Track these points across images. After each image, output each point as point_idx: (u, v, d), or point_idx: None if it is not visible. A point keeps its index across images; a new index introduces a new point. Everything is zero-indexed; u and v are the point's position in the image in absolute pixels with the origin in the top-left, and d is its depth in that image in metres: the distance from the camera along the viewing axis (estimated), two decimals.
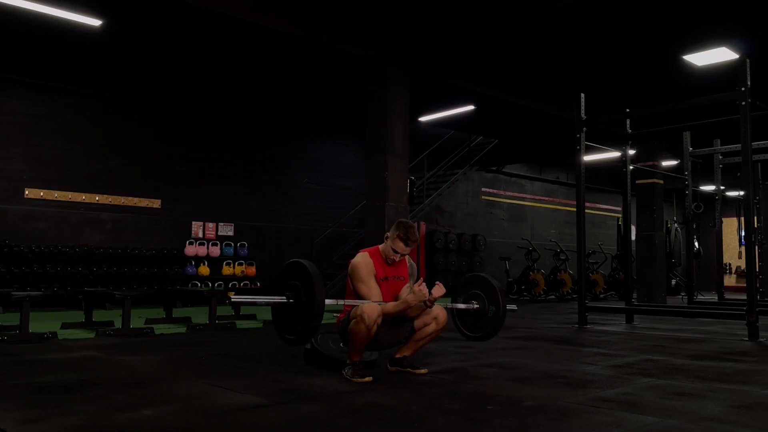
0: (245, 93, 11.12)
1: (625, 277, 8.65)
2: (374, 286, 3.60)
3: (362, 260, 3.64)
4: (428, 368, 3.81)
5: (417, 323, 3.65)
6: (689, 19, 7.55)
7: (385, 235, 3.73)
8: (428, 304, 3.51)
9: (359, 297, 3.58)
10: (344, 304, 3.59)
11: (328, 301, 3.29)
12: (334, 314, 4.00)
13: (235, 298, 3.43)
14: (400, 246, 3.63)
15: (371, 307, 3.40)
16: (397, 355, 3.74)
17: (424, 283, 3.49)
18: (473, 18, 7.67)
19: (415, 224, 3.66)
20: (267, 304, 3.41)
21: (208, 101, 11.16)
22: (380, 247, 3.75)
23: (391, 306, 3.52)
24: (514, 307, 4.30)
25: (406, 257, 3.75)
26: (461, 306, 4.04)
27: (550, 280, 12.98)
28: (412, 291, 3.48)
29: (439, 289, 3.49)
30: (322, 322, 3.31)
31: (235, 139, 11.61)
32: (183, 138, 10.98)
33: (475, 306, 4.00)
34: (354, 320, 3.39)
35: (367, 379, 3.45)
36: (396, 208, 7.96)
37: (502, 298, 3.92)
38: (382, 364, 3.93)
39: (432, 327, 3.63)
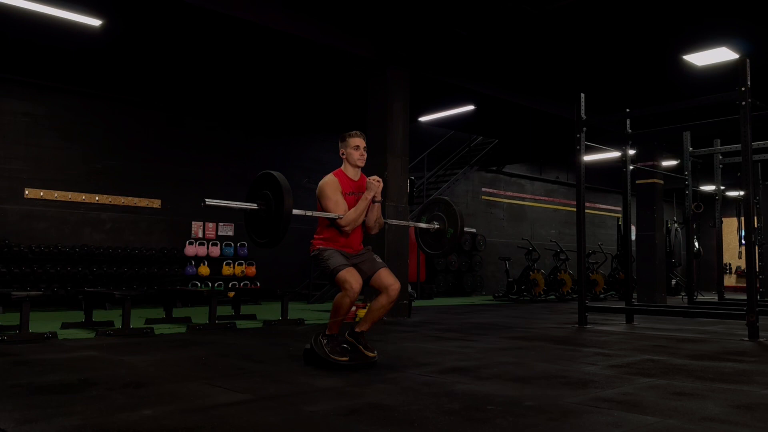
0: (245, 93, 11.11)
1: (625, 277, 8.65)
2: (341, 200, 3.88)
3: (328, 179, 3.95)
4: (428, 368, 3.84)
5: (374, 281, 3.88)
6: (689, 19, 7.55)
7: (341, 153, 4.03)
8: (377, 198, 3.95)
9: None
10: (312, 215, 3.84)
11: (295, 211, 3.56)
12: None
13: (209, 201, 3.58)
14: (353, 144, 3.97)
15: (354, 276, 3.69)
16: (357, 329, 3.90)
17: (380, 179, 3.96)
18: (473, 18, 7.67)
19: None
20: (240, 209, 3.71)
21: (208, 101, 11.16)
22: (341, 167, 4.06)
23: (354, 210, 3.86)
24: (473, 230, 4.73)
25: (367, 178, 3.99)
26: (423, 225, 4.36)
27: (550, 280, 12.98)
28: (368, 181, 3.91)
29: (377, 184, 3.92)
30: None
31: (235, 139, 11.61)
32: (183, 138, 10.98)
33: (436, 226, 4.31)
34: (339, 294, 3.71)
35: (344, 359, 3.75)
36: (396, 208, 7.95)
37: (461, 222, 4.24)
38: (381, 363, 3.93)
39: (384, 299, 3.84)
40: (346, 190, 3.95)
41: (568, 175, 17.56)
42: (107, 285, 9.27)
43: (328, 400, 2.99)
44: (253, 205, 3.63)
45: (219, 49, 8.94)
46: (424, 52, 8.62)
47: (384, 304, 3.85)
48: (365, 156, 4.05)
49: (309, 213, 3.77)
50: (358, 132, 4.04)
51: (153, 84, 10.41)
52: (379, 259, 4.00)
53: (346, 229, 3.85)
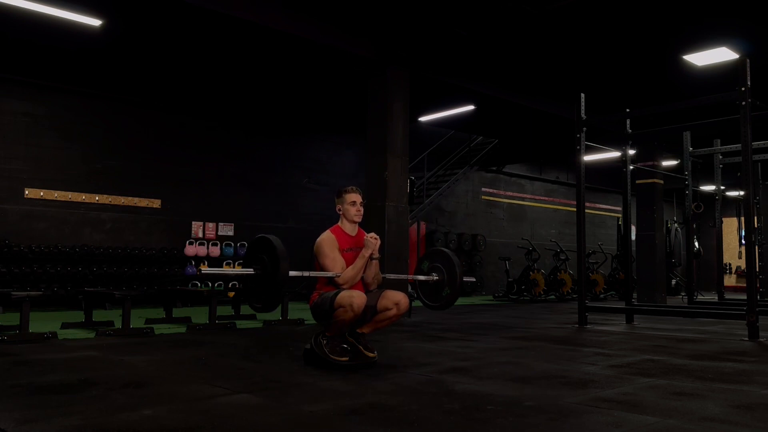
0: (245, 93, 11.12)
1: (625, 277, 8.65)
2: (338, 257, 3.87)
3: (325, 237, 3.93)
4: (428, 368, 3.85)
5: (380, 305, 3.85)
6: (689, 19, 7.55)
7: (337, 209, 4.05)
8: (374, 256, 3.92)
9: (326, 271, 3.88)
10: (310, 275, 3.83)
11: (292, 273, 3.55)
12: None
13: (205, 270, 3.70)
14: (349, 200, 3.98)
15: (360, 297, 3.65)
16: (358, 330, 3.89)
17: (377, 236, 3.93)
18: (473, 18, 7.67)
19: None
20: (236, 276, 3.72)
21: (208, 101, 11.16)
22: (338, 224, 4.05)
23: (352, 268, 3.85)
24: (472, 279, 4.79)
25: (365, 235, 3.98)
26: (421, 278, 4.33)
27: (550, 280, 12.98)
28: (366, 239, 3.90)
29: (374, 242, 3.90)
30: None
31: (235, 139, 11.61)
32: (183, 138, 10.98)
33: (435, 278, 4.28)
34: (342, 308, 3.64)
35: (344, 359, 3.74)
36: (396, 208, 7.95)
37: (459, 279, 4.19)
38: (381, 363, 3.93)
39: (393, 312, 3.85)
40: (344, 247, 3.93)
41: (568, 175, 17.56)
42: (107, 285, 9.26)
43: (328, 400, 2.99)
44: (250, 270, 3.64)
45: (219, 49, 8.94)
46: (424, 52, 8.62)
47: (391, 316, 3.85)
48: (362, 211, 4.05)
49: (306, 273, 3.78)
50: (354, 187, 4.04)
51: (153, 84, 10.41)
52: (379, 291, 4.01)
53: (344, 287, 3.81)
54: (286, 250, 3.57)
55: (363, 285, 3.99)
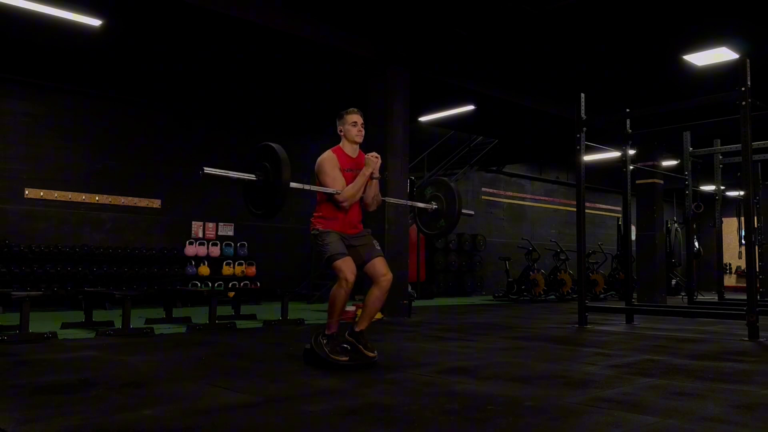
0: (245, 93, 11.11)
1: (625, 277, 8.65)
2: (339, 176, 3.88)
3: (326, 156, 3.95)
4: (428, 368, 3.85)
5: (367, 269, 3.90)
6: (689, 19, 7.55)
7: (339, 130, 4.04)
8: (375, 175, 3.94)
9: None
10: (310, 189, 3.86)
11: (293, 184, 3.59)
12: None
13: (207, 170, 3.59)
14: (350, 121, 3.98)
15: (350, 266, 3.72)
16: (356, 328, 3.90)
17: (378, 155, 3.96)
18: (473, 18, 7.67)
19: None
20: (238, 179, 3.73)
21: (208, 101, 11.16)
22: (339, 144, 4.05)
23: (352, 186, 3.86)
24: (471, 212, 4.72)
25: (365, 155, 3.99)
26: (421, 205, 4.35)
27: (550, 280, 12.97)
28: (367, 157, 3.92)
29: (375, 160, 3.92)
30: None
31: (236, 138, 11.60)
32: (183, 138, 10.98)
33: (434, 206, 4.31)
34: (336, 285, 3.74)
35: (344, 359, 3.74)
36: (396, 208, 7.95)
37: (458, 212, 4.22)
38: (381, 363, 3.93)
39: (376, 291, 3.87)
40: (345, 167, 3.94)
41: (568, 175, 17.55)
42: (107, 285, 9.26)
43: (328, 400, 2.99)
44: (252, 176, 3.64)
45: (219, 49, 8.94)
46: (424, 52, 8.62)
47: (377, 295, 3.88)
48: (363, 132, 4.05)
49: (307, 187, 3.80)
50: (355, 108, 4.05)
51: (153, 84, 10.40)
52: (377, 246, 4.01)
53: (344, 204, 3.85)
54: (288, 159, 3.58)
55: (361, 205, 4.03)
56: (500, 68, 9.61)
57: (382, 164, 4.04)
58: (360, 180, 3.89)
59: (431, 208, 4.30)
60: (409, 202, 4.55)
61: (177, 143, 10.88)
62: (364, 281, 4.18)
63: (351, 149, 4.04)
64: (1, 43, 8.59)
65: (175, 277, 10.13)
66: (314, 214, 3.99)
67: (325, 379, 3.50)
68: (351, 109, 4.05)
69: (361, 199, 3.98)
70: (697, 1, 7.10)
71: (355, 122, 4.00)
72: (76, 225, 9.84)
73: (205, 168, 3.54)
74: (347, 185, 3.87)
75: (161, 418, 2.59)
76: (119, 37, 8.39)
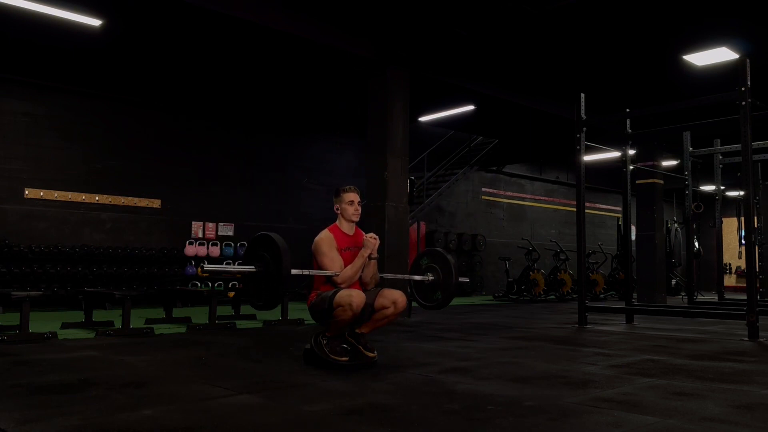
0: (245, 93, 11.12)
1: (625, 277, 8.64)
2: (336, 256, 3.86)
3: (323, 236, 3.93)
4: (428, 368, 3.86)
5: (377, 304, 3.85)
6: (689, 19, 7.55)
7: (335, 208, 4.05)
8: (373, 255, 3.91)
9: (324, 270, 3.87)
10: (310, 273, 3.82)
11: (293, 271, 3.53)
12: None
13: (207, 267, 3.61)
14: (347, 200, 3.98)
15: (359, 296, 3.65)
16: (357, 330, 3.88)
17: (376, 236, 3.93)
18: (473, 18, 7.67)
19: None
20: (238, 272, 3.71)
21: (208, 101, 11.15)
22: (336, 223, 4.05)
23: (351, 267, 3.84)
24: (466, 279, 4.67)
25: (363, 234, 4.00)
26: (417, 278, 4.33)
27: (550, 280, 12.98)
28: (365, 239, 3.89)
29: (373, 242, 3.89)
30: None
31: (235, 138, 11.61)
32: (183, 138, 10.98)
33: (430, 279, 4.29)
34: (341, 308, 3.64)
35: (344, 359, 3.75)
36: (396, 208, 7.95)
37: (454, 284, 4.19)
38: (381, 363, 3.93)
39: (390, 310, 3.85)
40: (342, 246, 3.93)
41: (568, 175, 17.56)
42: (107, 285, 9.26)
43: (328, 400, 2.98)
44: (251, 268, 3.60)
45: (219, 49, 8.94)
46: (424, 52, 8.62)
47: (389, 314, 3.85)
48: (360, 211, 4.04)
49: (306, 272, 3.77)
50: (352, 187, 4.04)
51: (153, 84, 10.41)
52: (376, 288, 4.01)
53: (343, 286, 3.81)
54: (288, 248, 3.56)
55: (360, 284, 3.99)
56: (500, 68, 9.61)
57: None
58: (358, 262, 3.87)
59: (428, 280, 4.28)
60: (407, 276, 4.53)
61: (177, 143, 10.88)
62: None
63: (348, 227, 4.03)
64: (1, 43, 8.60)
65: (175, 277, 10.13)
66: (312, 291, 3.95)
67: (325, 379, 3.50)
68: (348, 187, 4.04)
69: (360, 278, 3.95)
70: (697, 1, 7.10)
71: (352, 201, 3.99)
72: (76, 225, 9.84)
73: (205, 266, 3.63)
74: (346, 265, 3.85)
75: (161, 418, 2.58)
76: (119, 37, 8.40)
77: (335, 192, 4.06)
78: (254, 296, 3.71)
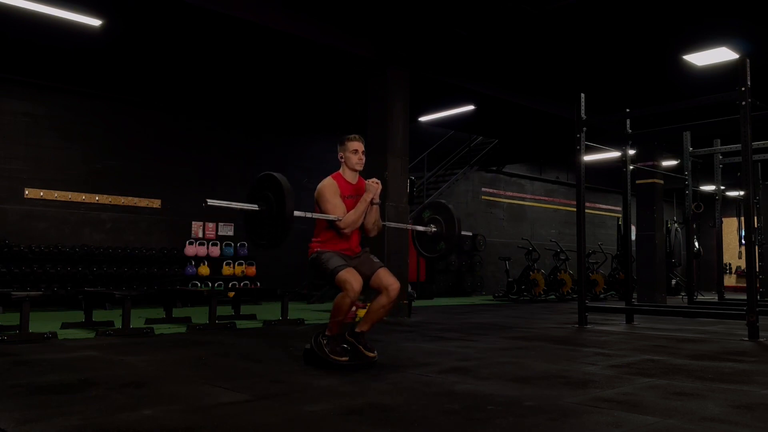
0: (245, 93, 11.11)
1: (625, 277, 8.65)
2: (339, 203, 3.89)
3: (327, 183, 3.97)
4: (428, 368, 3.86)
5: (373, 282, 3.87)
6: (689, 19, 7.55)
7: (339, 156, 4.07)
8: (375, 200, 3.94)
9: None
10: (312, 217, 3.84)
11: (296, 213, 3.55)
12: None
13: (210, 201, 3.60)
14: (351, 148, 4.00)
15: (354, 276, 3.68)
16: (357, 329, 3.89)
17: (378, 181, 3.96)
18: (473, 18, 7.67)
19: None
20: (241, 209, 3.72)
21: (208, 101, 11.16)
22: (339, 171, 4.08)
23: (354, 212, 3.87)
24: (469, 233, 4.71)
25: (365, 181, 4.00)
26: (420, 228, 4.34)
27: (550, 280, 12.97)
28: (368, 183, 3.92)
29: (376, 186, 3.93)
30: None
31: (235, 138, 11.61)
32: (183, 138, 10.98)
33: (433, 230, 4.31)
34: (343, 292, 3.69)
35: (344, 359, 3.74)
36: (396, 208, 7.95)
37: (457, 234, 4.21)
38: (381, 363, 3.93)
39: (384, 300, 3.84)
40: (345, 193, 3.96)
41: (568, 175, 17.56)
42: (107, 285, 9.27)
43: (328, 400, 2.98)
44: (254, 207, 3.62)
45: (219, 49, 8.94)
46: (424, 52, 8.62)
47: (384, 304, 3.85)
48: (363, 159, 4.07)
49: (309, 215, 3.78)
50: (356, 135, 4.07)
51: (153, 84, 10.41)
52: (376, 260, 4.01)
53: (346, 231, 3.85)
54: (292, 188, 3.58)
55: (362, 231, 4.02)
56: (500, 68, 9.61)
57: (382, 190, 4.04)
58: (361, 206, 3.89)
59: (431, 231, 4.29)
60: (409, 226, 4.54)
61: (177, 143, 10.88)
62: (370, 293, 4.15)
63: (351, 176, 4.06)
64: (1, 43, 8.60)
65: (175, 277, 10.13)
66: (313, 239, 3.98)
67: (325, 379, 3.50)
68: (352, 135, 4.07)
69: (362, 224, 3.98)
70: (697, 1, 7.10)
71: (356, 150, 4.02)
72: (76, 225, 9.84)
73: (207, 200, 3.58)
74: (348, 212, 3.88)
75: (161, 418, 2.59)
76: (119, 37, 8.40)
77: (339, 140, 4.07)
78: (257, 235, 3.72)
